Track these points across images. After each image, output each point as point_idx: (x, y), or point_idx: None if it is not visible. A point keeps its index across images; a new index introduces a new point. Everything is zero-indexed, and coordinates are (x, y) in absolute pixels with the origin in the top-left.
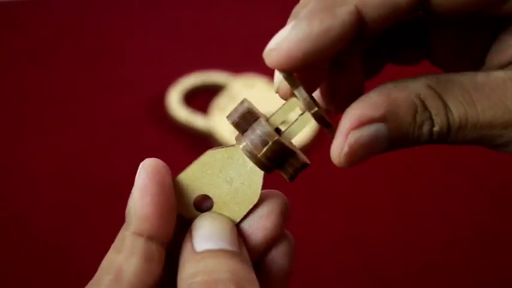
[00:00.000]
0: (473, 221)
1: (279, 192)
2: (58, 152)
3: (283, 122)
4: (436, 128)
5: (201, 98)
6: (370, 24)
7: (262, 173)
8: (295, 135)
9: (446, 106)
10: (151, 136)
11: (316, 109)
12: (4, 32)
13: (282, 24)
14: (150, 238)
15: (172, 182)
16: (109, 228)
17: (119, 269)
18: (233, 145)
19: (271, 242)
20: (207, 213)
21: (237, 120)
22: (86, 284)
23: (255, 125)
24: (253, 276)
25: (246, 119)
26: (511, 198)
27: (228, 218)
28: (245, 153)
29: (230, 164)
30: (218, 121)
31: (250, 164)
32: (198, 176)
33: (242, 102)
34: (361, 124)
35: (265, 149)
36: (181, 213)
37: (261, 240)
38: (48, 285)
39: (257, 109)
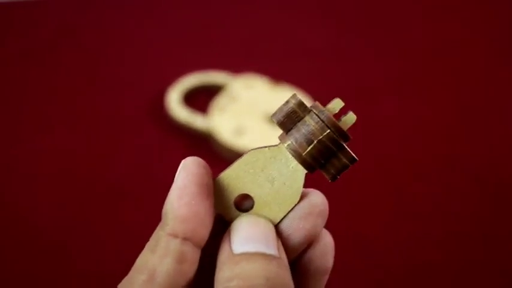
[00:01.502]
0: (473, 220)
1: (319, 192)
2: (58, 151)
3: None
4: None
5: (201, 98)
6: None
7: (304, 172)
8: (351, 124)
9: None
10: (151, 136)
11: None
12: (4, 32)
13: (281, 24)
14: (185, 239)
15: (212, 182)
16: (109, 228)
17: (153, 269)
18: (277, 145)
19: (310, 242)
20: (246, 214)
21: (281, 119)
22: (87, 283)
23: (300, 124)
24: (289, 281)
25: (290, 118)
26: (511, 198)
27: (268, 218)
28: (290, 152)
29: (273, 164)
30: (218, 121)
31: (293, 164)
32: (239, 175)
33: (288, 101)
34: None
35: (310, 148)
36: (221, 213)
37: (300, 240)
38: (49, 285)
39: (305, 104)
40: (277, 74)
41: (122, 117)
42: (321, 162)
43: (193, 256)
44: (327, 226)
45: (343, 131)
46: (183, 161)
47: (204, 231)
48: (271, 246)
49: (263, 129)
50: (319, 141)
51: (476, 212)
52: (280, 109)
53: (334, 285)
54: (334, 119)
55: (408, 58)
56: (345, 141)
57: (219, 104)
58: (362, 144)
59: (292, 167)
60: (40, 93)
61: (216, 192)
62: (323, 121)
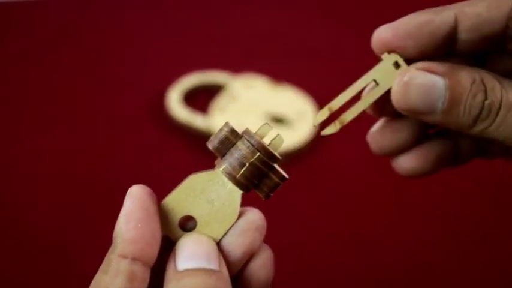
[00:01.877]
0: (474, 220)
1: (255, 209)
2: (58, 151)
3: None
4: (488, 100)
5: (201, 98)
6: (463, 34)
7: (240, 193)
8: (279, 146)
9: (502, 86)
10: (151, 136)
11: None
12: (4, 32)
13: (281, 24)
14: (134, 259)
15: (156, 207)
16: (109, 228)
17: None
18: (213, 169)
19: (249, 256)
20: (189, 234)
21: (216, 145)
22: (87, 283)
23: (233, 149)
24: None
25: (224, 144)
26: (511, 198)
27: (210, 236)
28: (225, 175)
29: (211, 187)
30: (218, 121)
31: (230, 185)
32: (182, 198)
33: (221, 129)
34: (423, 69)
35: (243, 170)
36: (167, 234)
37: (240, 255)
38: (49, 285)
39: (237, 131)
40: (277, 74)
41: (122, 117)
42: (254, 183)
43: (143, 275)
44: (328, 226)
45: (272, 152)
46: (129, 189)
47: (151, 251)
48: (211, 262)
49: None
50: (250, 164)
51: (476, 212)
52: (214, 136)
53: (335, 285)
54: (263, 143)
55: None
56: (274, 162)
57: (219, 103)
58: (362, 144)
59: (228, 189)
60: (40, 93)
61: (161, 216)
62: (253, 145)
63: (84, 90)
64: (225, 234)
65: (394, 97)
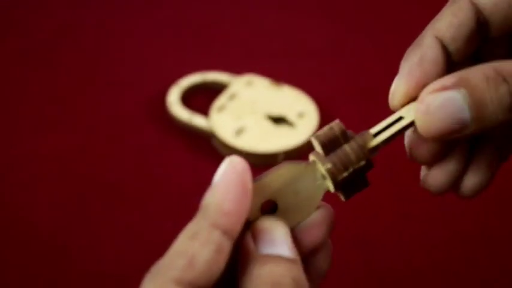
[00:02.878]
0: (475, 220)
1: (329, 206)
2: (58, 151)
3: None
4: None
5: (201, 98)
6: (453, 46)
7: (325, 189)
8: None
9: None
10: (151, 136)
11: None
12: (3, 31)
13: (281, 24)
14: (225, 232)
15: (251, 185)
16: (109, 228)
17: (193, 255)
18: (310, 163)
19: (316, 249)
20: (271, 218)
21: (324, 142)
22: (85, 283)
23: (339, 150)
24: (306, 284)
25: (332, 143)
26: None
27: (286, 223)
28: (327, 173)
29: (302, 178)
30: (218, 121)
31: (320, 182)
32: (271, 183)
33: (332, 127)
34: (435, 91)
35: (346, 174)
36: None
37: (310, 247)
38: (48, 285)
39: (347, 134)
40: (277, 74)
41: (121, 117)
42: (347, 185)
43: (228, 248)
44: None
45: (372, 164)
46: (229, 159)
47: (239, 227)
48: (293, 251)
49: (263, 129)
50: (354, 170)
51: (478, 213)
52: (323, 133)
53: (335, 285)
54: (368, 153)
55: None
56: (369, 171)
57: (219, 103)
58: None
59: (318, 184)
60: (39, 93)
61: None
62: (362, 153)
63: (83, 90)
64: (297, 225)
65: (420, 129)
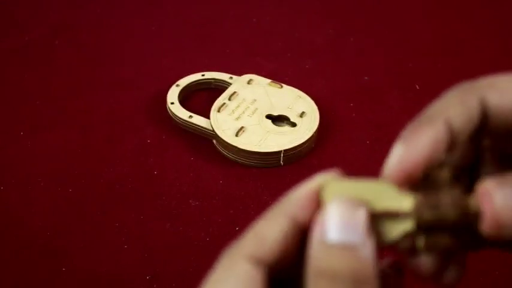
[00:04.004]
0: None
1: None
2: (56, 151)
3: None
4: None
5: (201, 98)
6: (459, 136)
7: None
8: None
9: None
10: (151, 136)
11: None
12: (1, 30)
13: (281, 24)
14: (295, 223)
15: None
16: (108, 228)
17: (264, 236)
18: (409, 193)
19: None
20: (341, 197)
21: (426, 178)
22: (84, 283)
23: (435, 194)
24: (373, 273)
25: (433, 185)
26: None
27: (364, 201)
28: (416, 212)
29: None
30: (218, 121)
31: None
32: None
33: (442, 168)
34: (499, 185)
35: (431, 217)
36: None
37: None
38: (48, 285)
39: (452, 181)
40: (277, 74)
41: (121, 116)
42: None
43: (297, 234)
44: None
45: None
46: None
47: (309, 222)
48: (362, 235)
49: (263, 129)
50: (447, 225)
51: None
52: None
53: None
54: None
55: (409, 57)
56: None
57: (219, 103)
58: (365, 144)
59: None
60: (38, 93)
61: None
62: (456, 214)
63: (83, 90)
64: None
65: (489, 226)
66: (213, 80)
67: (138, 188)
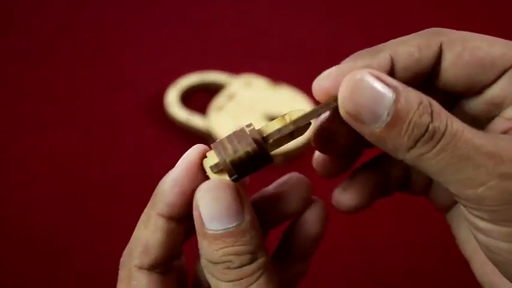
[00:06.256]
0: None
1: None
2: (56, 151)
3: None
4: (434, 124)
5: (199, 98)
6: (398, 74)
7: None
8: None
9: (451, 117)
10: (149, 135)
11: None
12: (2, 31)
13: (281, 24)
14: (170, 218)
15: (204, 176)
16: (107, 228)
17: (147, 242)
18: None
19: (304, 206)
20: (206, 183)
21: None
22: (86, 283)
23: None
24: (252, 245)
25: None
26: None
27: (226, 178)
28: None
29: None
30: (217, 120)
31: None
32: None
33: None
34: (375, 77)
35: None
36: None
37: (306, 241)
38: (48, 285)
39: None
40: (276, 74)
41: (120, 116)
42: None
43: (179, 228)
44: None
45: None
46: (188, 150)
47: (183, 212)
48: (235, 216)
49: None
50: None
51: None
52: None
53: (336, 286)
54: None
55: None
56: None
57: (217, 103)
58: None
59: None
60: (38, 93)
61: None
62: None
63: (82, 90)
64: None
65: (341, 95)
66: (211, 80)
67: (136, 187)
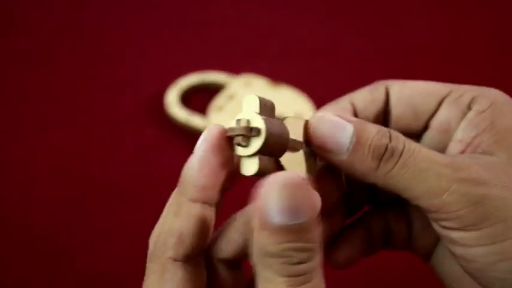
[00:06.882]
0: None
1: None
2: (56, 151)
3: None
4: (392, 144)
5: (199, 98)
6: (361, 113)
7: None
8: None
9: (408, 139)
10: (149, 135)
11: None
12: (2, 31)
13: (281, 24)
14: (204, 203)
15: (228, 146)
16: (107, 228)
17: (180, 232)
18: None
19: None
20: (279, 175)
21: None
22: (86, 283)
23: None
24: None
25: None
26: None
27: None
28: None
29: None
30: (216, 121)
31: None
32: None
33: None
34: (337, 114)
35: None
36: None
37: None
38: (47, 285)
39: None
40: (276, 74)
41: (120, 116)
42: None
43: (211, 214)
44: None
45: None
46: (206, 130)
47: (217, 195)
48: (303, 213)
49: None
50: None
51: None
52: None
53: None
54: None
55: (409, 58)
56: None
57: (217, 103)
58: None
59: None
60: (37, 93)
61: None
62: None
63: (82, 90)
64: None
65: (311, 127)
66: (211, 80)
67: (136, 188)
